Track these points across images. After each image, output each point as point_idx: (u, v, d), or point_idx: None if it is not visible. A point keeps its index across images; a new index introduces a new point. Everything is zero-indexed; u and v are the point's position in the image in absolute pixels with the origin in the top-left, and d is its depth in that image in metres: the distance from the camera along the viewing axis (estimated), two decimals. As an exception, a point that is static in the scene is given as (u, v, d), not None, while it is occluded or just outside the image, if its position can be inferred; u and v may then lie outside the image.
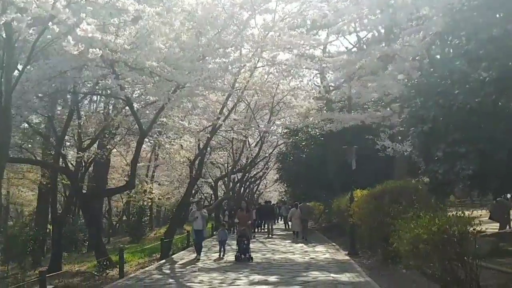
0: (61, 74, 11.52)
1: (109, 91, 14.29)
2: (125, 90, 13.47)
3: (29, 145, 21.85)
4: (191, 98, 15.20)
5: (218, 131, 22.73)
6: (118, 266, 13.70)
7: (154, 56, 10.38)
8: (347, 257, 14.74)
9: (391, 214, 12.06)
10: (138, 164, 39.28)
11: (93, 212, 31.10)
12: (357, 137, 16.82)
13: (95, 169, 31.72)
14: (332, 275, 11.43)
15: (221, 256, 15.21)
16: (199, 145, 21.81)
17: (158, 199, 39.62)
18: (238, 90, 16.14)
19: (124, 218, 43.18)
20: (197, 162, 19.11)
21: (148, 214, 40.62)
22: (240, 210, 16.71)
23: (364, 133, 16.98)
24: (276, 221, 34.34)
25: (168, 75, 10.80)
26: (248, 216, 16.55)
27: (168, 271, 12.93)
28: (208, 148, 30.20)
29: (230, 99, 17.89)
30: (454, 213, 7.75)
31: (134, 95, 14.97)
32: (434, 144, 10.33)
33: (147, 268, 13.71)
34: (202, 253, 15.63)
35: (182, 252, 17.66)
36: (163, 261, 15.08)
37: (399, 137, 12.95)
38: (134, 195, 36.84)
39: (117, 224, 45.64)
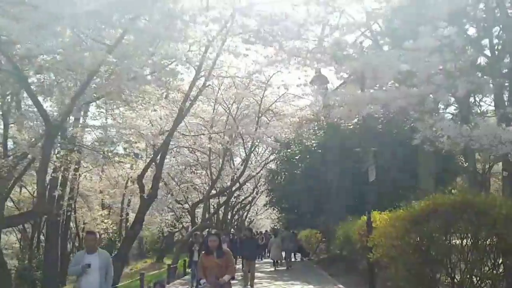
0: None
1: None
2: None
3: None
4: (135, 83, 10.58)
5: (187, 139, 18.14)
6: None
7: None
8: (367, 314, 9.95)
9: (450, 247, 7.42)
10: (111, 191, 34.78)
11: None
12: (369, 137, 12.23)
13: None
14: None
15: None
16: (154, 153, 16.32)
17: (140, 229, 35.25)
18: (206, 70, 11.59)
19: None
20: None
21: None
22: (205, 253, 7.71)
23: (383, 128, 12.37)
24: (262, 256, 29.26)
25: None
26: (224, 262, 7.41)
27: None
28: (182, 167, 25.58)
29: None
30: None
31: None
32: None
33: None
34: None
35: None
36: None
37: (459, 121, 8.08)
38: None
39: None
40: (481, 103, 24.16)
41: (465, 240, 7.55)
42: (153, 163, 14.46)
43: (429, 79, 8.52)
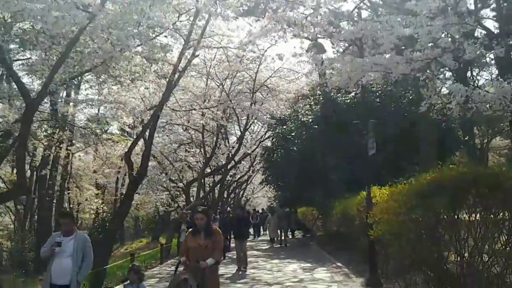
0: None
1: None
2: None
3: None
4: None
5: (179, 114, 17.54)
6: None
7: None
8: (368, 293, 9.54)
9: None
10: (105, 170, 34.17)
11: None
12: (367, 110, 11.68)
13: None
14: None
15: None
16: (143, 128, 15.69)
17: (135, 208, 35.05)
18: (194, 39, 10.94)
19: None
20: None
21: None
22: (191, 232, 6.67)
23: (381, 101, 11.77)
24: (258, 235, 30.36)
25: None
26: (211, 243, 6.31)
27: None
28: (176, 145, 25.03)
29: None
30: None
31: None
32: None
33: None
34: None
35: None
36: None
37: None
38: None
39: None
40: (478, 77, 23.74)
41: (473, 215, 7.05)
42: (142, 140, 13.87)
43: (433, 43, 7.93)
